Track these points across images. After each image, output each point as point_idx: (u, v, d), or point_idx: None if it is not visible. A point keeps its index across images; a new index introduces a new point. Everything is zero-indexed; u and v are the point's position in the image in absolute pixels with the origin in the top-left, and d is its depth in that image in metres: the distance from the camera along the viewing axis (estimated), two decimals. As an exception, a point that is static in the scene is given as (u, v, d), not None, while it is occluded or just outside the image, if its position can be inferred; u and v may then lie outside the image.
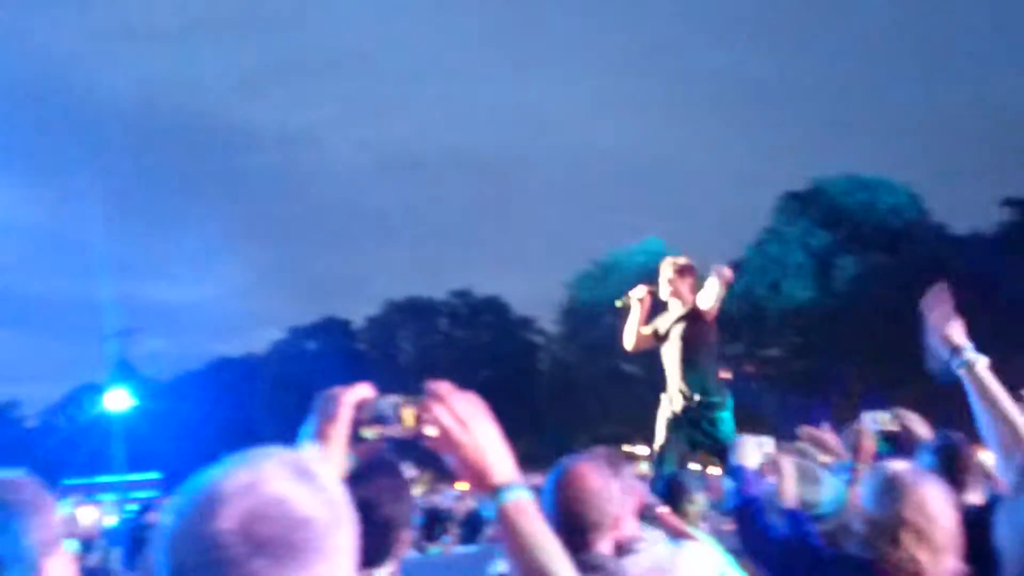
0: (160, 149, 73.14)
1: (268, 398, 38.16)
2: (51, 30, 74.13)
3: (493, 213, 70.12)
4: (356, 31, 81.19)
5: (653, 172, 65.70)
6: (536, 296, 52.33)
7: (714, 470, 5.36)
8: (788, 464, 3.28)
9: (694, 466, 5.51)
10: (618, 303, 6.18)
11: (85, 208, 62.75)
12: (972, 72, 58.24)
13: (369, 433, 1.42)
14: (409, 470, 2.11)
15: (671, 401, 5.90)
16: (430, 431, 1.38)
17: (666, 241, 30.77)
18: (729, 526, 3.65)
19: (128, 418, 30.66)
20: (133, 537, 6.37)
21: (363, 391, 1.44)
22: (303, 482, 1.00)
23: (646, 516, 3.22)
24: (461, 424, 1.36)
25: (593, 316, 33.10)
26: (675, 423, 5.85)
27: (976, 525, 2.39)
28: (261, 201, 71.48)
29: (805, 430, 4.36)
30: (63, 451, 32.17)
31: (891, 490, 2.30)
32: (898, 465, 2.44)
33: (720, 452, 5.69)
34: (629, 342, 6.18)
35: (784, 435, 4.44)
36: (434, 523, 11.75)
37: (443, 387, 1.39)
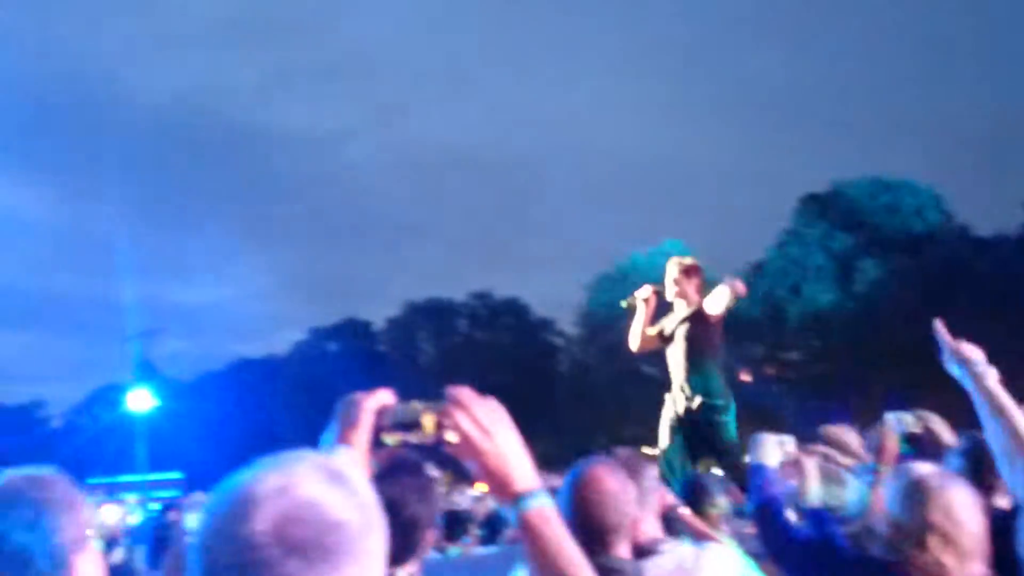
0: (183, 151, 73.83)
1: (289, 399, 38.37)
2: (82, 36, 75.12)
3: (513, 215, 70.31)
4: (380, 35, 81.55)
5: (674, 175, 65.64)
6: (556, 298, 52.24)
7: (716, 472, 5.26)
8: (811, 464, 3.23)
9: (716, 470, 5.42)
10: (623, 303, 6.13)
11: (109, 210, 63.47)
12: (999, 73, 57.69)
13: (390, 439, 1.42)
14: (431, 471, 2.11)
15: (674, 402, 5.83)
16: (451, 437, 1.37)
17: (685, 243, 30.67)
18: (750, 529, 3.61)
19: (150, 418, 30.99)
20: (156, 536, 6.43)
21: (384, 397, 1.44)
22: (336, 486, 1.01)
23: (669, 518, 3.19)
24: (483, 431, 1.35)
25: (612, 318, 32.95)
26: (676, 424, 5.77)
27: (1003, 530, 2.38)
28: (283, 203, 71.93)
29: (828, 430, 4.31)
30: (87, 450, 32.41)
31: (917, 493, 2.28)
32: (924, 468, 2.40)
33: (718, 455, 5.62)
34: (634, 343, 6.13)
35: (804, 438, 4.40)
36: (454, 524, 11.74)
37: (464, 393, 1.38)
